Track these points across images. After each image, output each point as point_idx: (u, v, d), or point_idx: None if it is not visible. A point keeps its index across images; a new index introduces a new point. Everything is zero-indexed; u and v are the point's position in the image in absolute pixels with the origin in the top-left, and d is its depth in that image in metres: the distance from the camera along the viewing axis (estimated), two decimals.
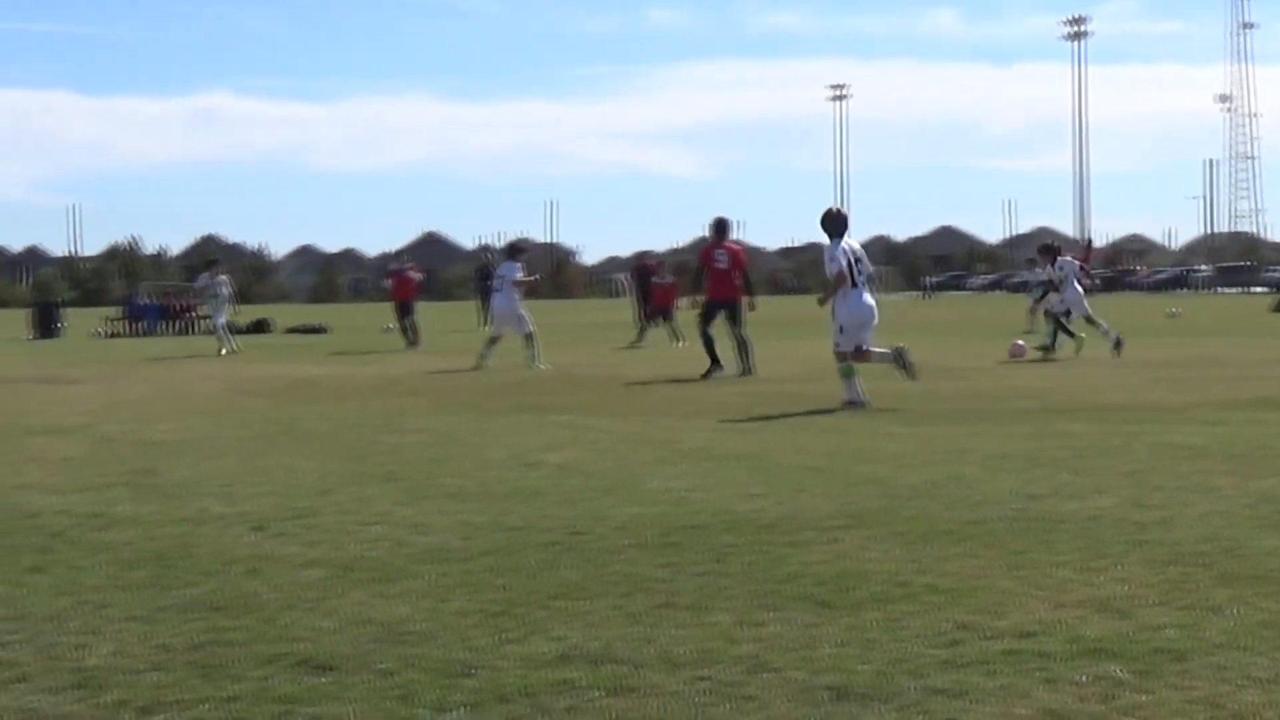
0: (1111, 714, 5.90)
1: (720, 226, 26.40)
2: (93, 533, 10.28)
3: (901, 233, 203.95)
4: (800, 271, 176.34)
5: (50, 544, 9.88)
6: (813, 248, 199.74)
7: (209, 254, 53.91)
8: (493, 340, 29.88)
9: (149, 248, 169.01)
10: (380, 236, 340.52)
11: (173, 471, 13.44)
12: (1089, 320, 29.56)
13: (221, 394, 23.48)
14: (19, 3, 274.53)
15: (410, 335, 38.81)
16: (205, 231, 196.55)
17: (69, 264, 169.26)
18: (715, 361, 25.27)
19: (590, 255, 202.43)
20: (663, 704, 6.10)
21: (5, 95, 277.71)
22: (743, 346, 25.64)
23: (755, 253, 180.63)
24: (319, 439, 16.10)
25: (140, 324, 57.38)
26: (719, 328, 25.72)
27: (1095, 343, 28.95)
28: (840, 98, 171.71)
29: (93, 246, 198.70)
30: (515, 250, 31.51)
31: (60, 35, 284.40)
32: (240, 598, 8.14)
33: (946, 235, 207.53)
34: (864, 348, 19.58)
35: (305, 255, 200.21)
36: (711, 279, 26.26)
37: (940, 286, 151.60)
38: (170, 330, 58.19)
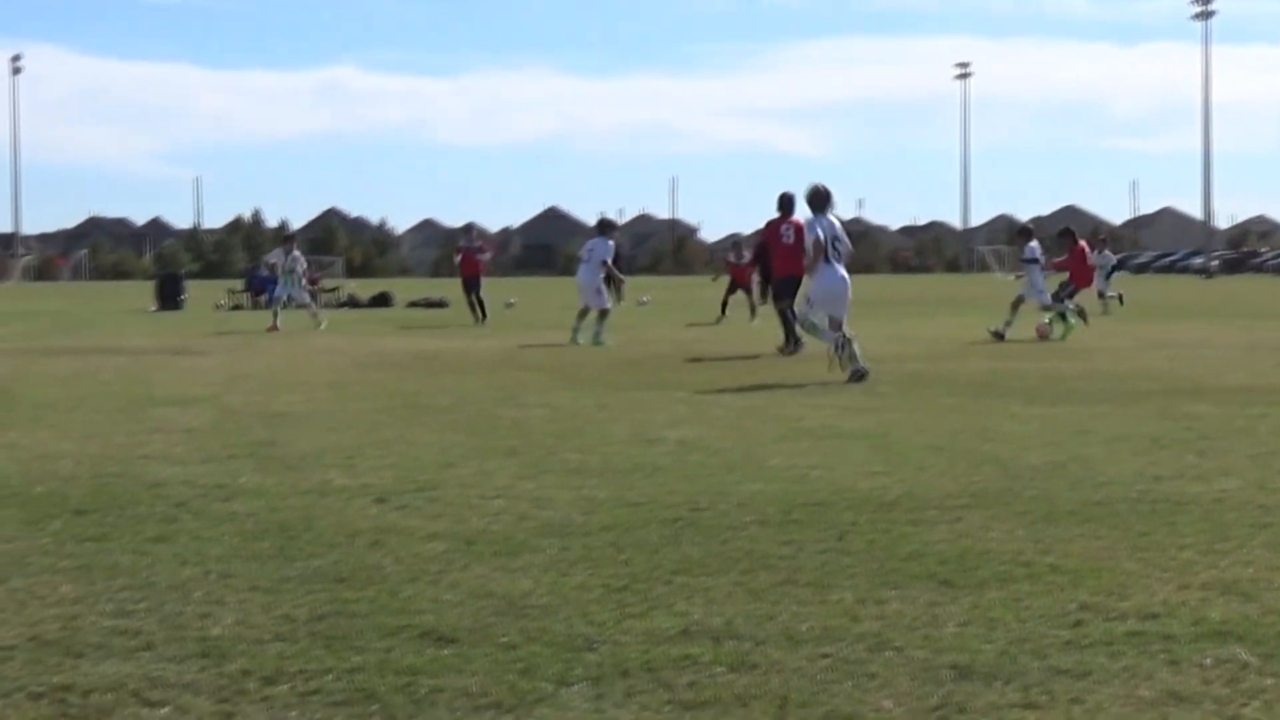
0: (1236, 697, 5.84)
1: (785, 202, 26.30)
2: (216, 503, 10.37)
3: (1024, 212, 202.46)
4: (922, 250, 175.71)
5: (175, 514, 9.97)
6: (934, 226, 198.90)
7: (284, 231, 52.69)
8: (582, 313, 29.91)
9: (271, 221, 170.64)
10: (502, 211, 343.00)
11: (296, 443, 13.53)
12: (1045, 308, 29.63)
13: (344, 367, 23.63)
14: None
15: (477, 311, 39.59)
16: (327, 205, 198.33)
17: (192, 236, 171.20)
18: (792, 339, 25.22)
19: (711, 232, 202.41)
20: (784, 680, 6.09)
21: (131, 68, 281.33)
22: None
23: (877, 231, 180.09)
24: (440, 412, 16.18)
25: (262, 297, 57.84)
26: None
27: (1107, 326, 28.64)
28: (964, 76, 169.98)
29: (215, 219, 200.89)
30: (607, 226, 31.55)
31: (184, 8, 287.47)
32: (363, 569, 8.19)
33: (1070, 215, 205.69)
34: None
35: (427, 230, 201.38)
36: (779, 255, 26.30)
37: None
38: (292, 303, 58.72)
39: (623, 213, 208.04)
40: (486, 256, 42.24)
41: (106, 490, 10.96)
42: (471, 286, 40.39)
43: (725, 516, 9.63)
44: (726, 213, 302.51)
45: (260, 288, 58.69)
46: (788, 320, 25.46)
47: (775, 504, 10.02)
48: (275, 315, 38.66)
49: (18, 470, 11.94)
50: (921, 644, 6.57)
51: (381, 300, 57.66)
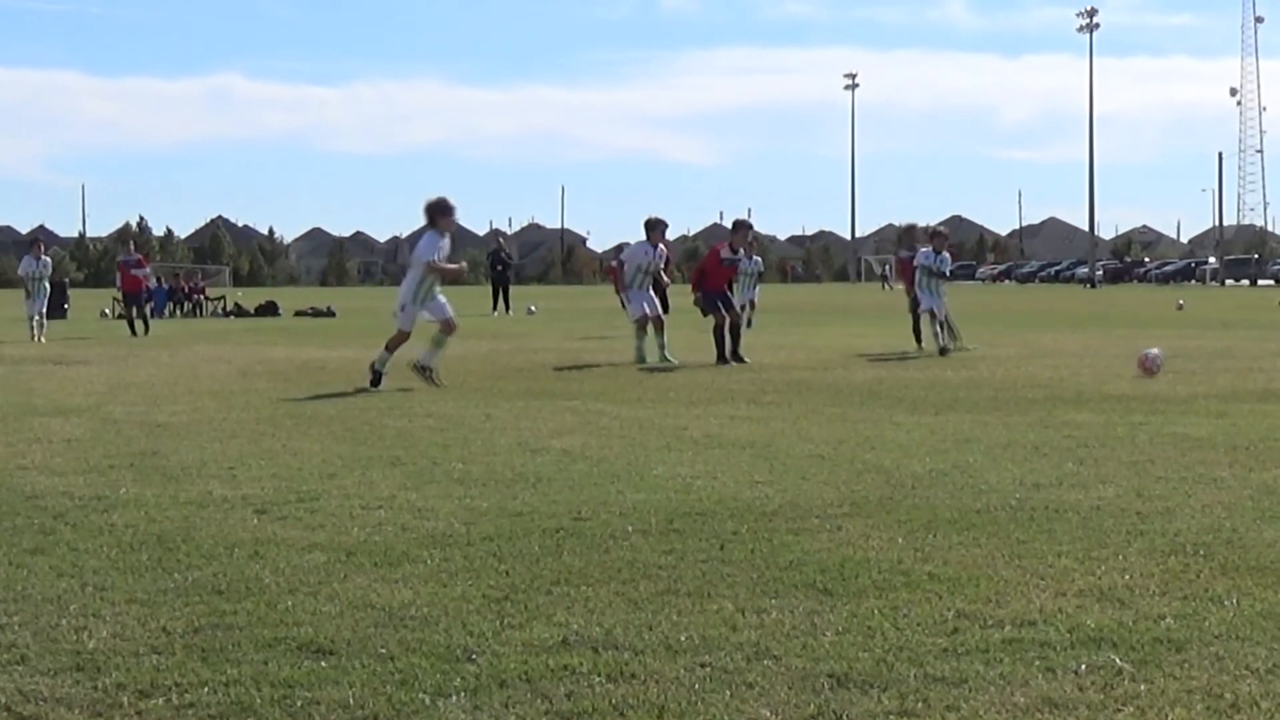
0: (1110, 703, 5.90)
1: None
2: (95, 515, 10.28)
3: (912, 221, 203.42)
4: (809, 260, 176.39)
5: (52, 525, 9.89)
6: (823, 235, 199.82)
7: (32, 235, 48.10)
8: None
9: (157, 229, 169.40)
10: (390, 220, 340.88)
11: (177, 454, 13.44)
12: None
13: (229, 377, 23.46)
14: None
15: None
16: (214, 213, 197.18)
17: (77, 244, 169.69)
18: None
19: (600, 241, 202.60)
20: (663, 690, 6.10)
21: (16, 74, 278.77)
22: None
23: (766, 240, 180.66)
24: (325, 422, 16.10)
25: (149, 305, 57.42)
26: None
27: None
28: (852, 86, 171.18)
29: (101, 227, 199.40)
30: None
31: (71, 15, 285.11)
32: (242, 581, 8.14)
33: (957, 225, 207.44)
34: None
35: (315, 238, 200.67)
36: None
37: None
38: (178, 312, 58.34)
39: (512, 222, 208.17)
40: (146, 271, 42.57)
41: None
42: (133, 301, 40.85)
43: (607, 526, 9.64)
44: (616, 221, 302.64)
45: (147, 297, 58.32)
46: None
47: (658, 513, 10.04)
48: (35, 329, 36.45)
49: None
50: (800, 653, 6.60)
51: (268, 309, 57.34)
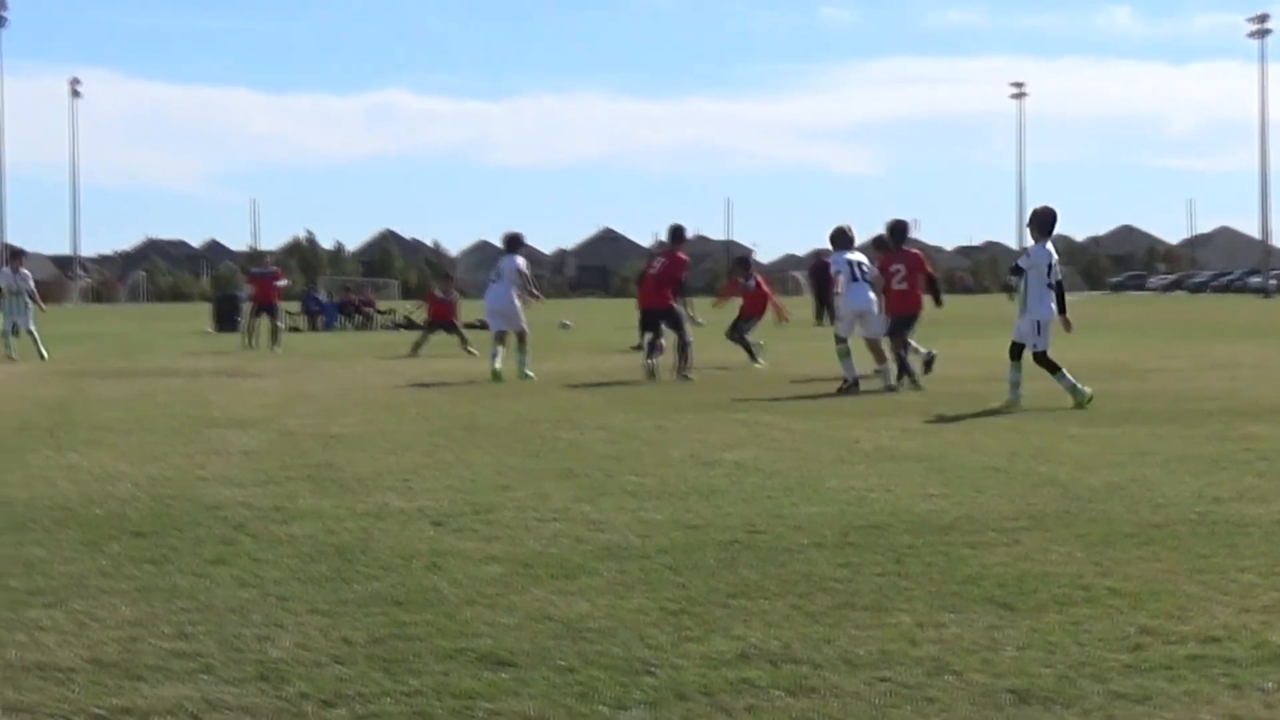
0: None
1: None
2: (274, 525, 10.40)
3: (1080, 232, 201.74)
4: (977, 270, 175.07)
5: (233, 536, 10.01)
6: (991, 246, 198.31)
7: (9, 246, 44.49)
8: (499, 338, 27.76)
9: (326, 243, 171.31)
10: (556, 233, 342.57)
11: (352, 465, 13.57)
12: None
13: (401, 389, 23.68)
14: (200, 1, 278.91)
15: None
16: (381, 227, 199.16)
17: (248, 258, 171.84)
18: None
19: (767, 253, 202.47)
20: (843, 705, 6.07)
21: (187, 91, 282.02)
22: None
23: (933, 251, 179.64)
24: (497, 434, 16.20)
25: (318, 319, 58.05)
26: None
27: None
28: (1019, 95, 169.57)
29: (271, 241, 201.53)
30: (514, 242, 28.32)
31: (240, 32, 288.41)
32: (420, 592, 8.20)
33: (1126, 235, 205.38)
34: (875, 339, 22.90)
35: (482, 251, 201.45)
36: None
37: (1119, 286, 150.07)
38: (349, 325, 58.89)
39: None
40: (281, 284, 42.54)
41: (165, 512, 11.01)
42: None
43: (782, 539, 9.61)
44: (782, 233, 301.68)
45: (316, 310, 58.99)
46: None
47: (832, 526, 10.00)
48: (6, 344, 34.86)
49: (77, 492, 12.00)
50: (980, 668, 6.54)
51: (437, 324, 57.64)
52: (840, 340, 23.01)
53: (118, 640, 7.25)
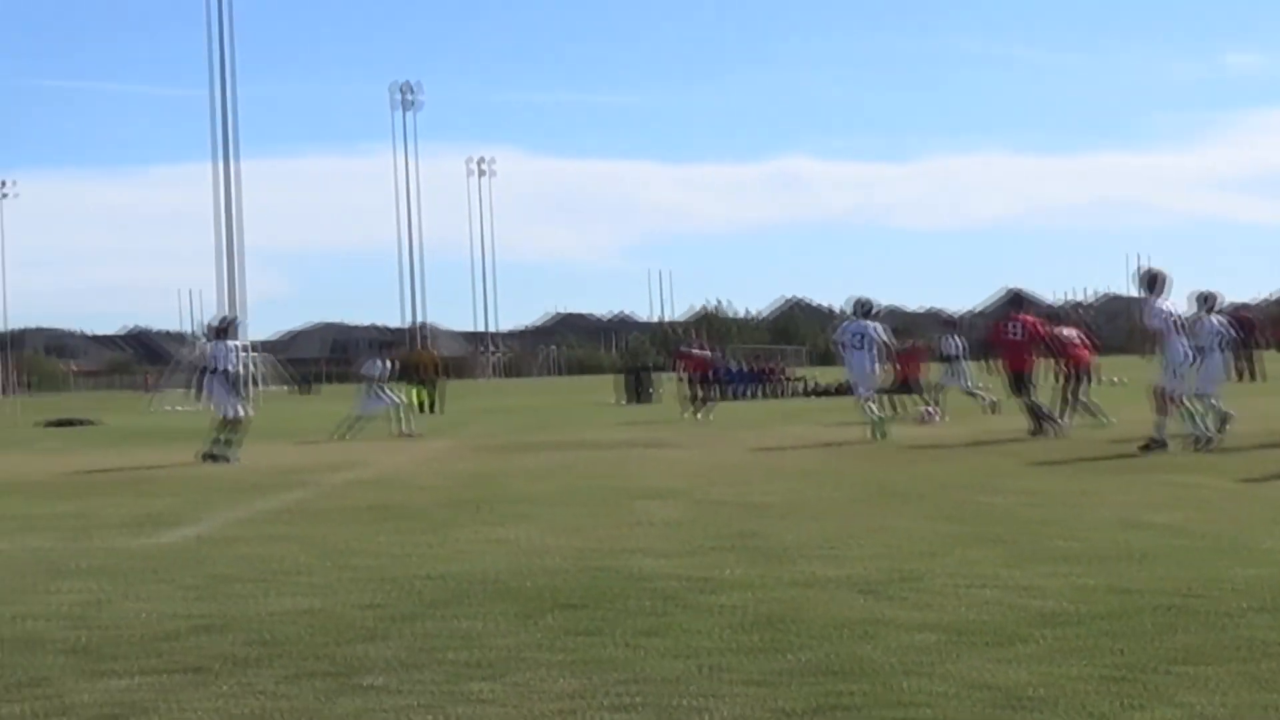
0: None
1: (1014, 301, 27.91)
2: (703, 595, 10.45)
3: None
4: None
5: (663, 607, 10.08)
6: None
7: (224, 316, 40.45)
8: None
9: (734, 310, 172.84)
10: (962, 294, 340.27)
11: (776, 534, 13.60)
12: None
13: (815, 456, 23.73)
14: (601, 76, 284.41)
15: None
16: (788, 294, 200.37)
17: (657, 328, 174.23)
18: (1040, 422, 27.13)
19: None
20: None
21: (592, 165, 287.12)
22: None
23: None
24: (916, 500, 16.11)
25: (731, 388, 58.36)
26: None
27: None
28: None
29: (678, 311, 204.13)
30: (864, 308, 29.16)
31: (640, 106, 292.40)
32: (854, 661, 8.16)
33: None
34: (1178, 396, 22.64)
35: (889, 318, 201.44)
36: (1009, 351, 28.07)
37: None
38: (762, 394, 59.20)
39: (1085, 291, 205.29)
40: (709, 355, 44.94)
41: (595, 584, 11.15)
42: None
43: (1221, 603, 9.36)
44: (1192, 286, 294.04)
45: (728, 379, 59.33)
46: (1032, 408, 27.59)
47: (1273, 589, 9.71)
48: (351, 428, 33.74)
49: (508, 565, 12.24)
50: None
51: (845, 389, 57.70)
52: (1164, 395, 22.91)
53: (559, 712, 7.34)
